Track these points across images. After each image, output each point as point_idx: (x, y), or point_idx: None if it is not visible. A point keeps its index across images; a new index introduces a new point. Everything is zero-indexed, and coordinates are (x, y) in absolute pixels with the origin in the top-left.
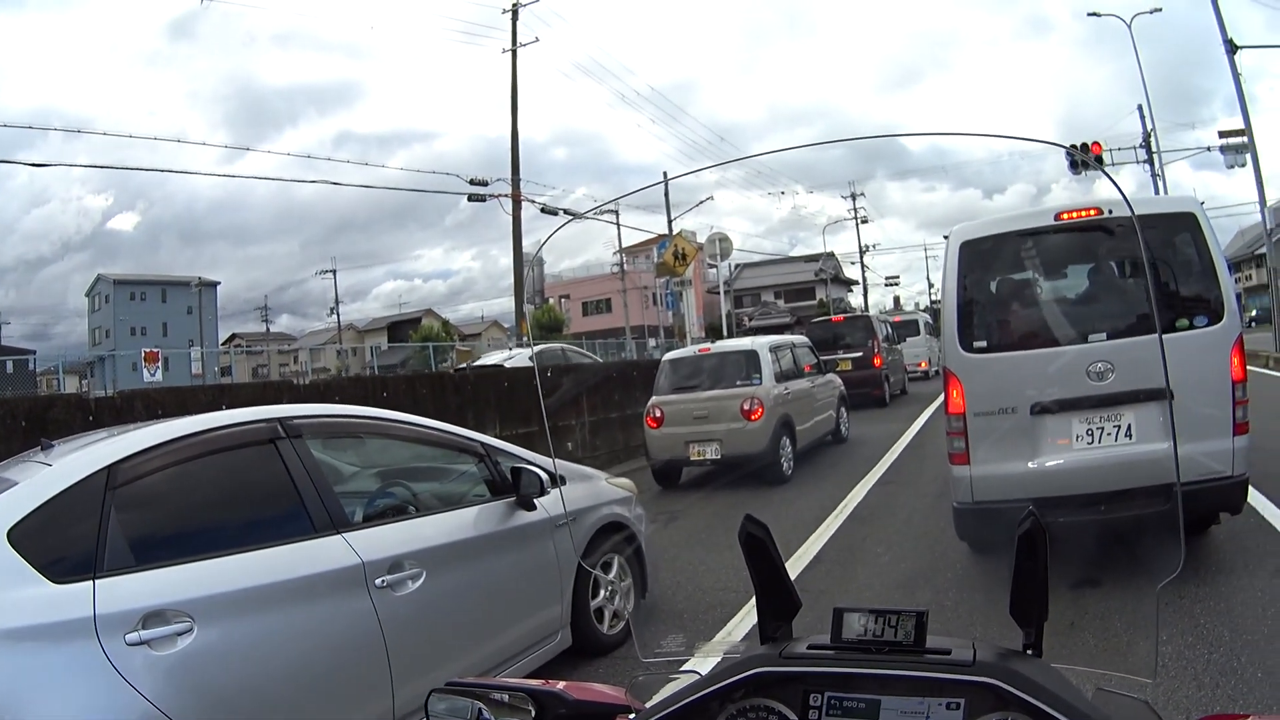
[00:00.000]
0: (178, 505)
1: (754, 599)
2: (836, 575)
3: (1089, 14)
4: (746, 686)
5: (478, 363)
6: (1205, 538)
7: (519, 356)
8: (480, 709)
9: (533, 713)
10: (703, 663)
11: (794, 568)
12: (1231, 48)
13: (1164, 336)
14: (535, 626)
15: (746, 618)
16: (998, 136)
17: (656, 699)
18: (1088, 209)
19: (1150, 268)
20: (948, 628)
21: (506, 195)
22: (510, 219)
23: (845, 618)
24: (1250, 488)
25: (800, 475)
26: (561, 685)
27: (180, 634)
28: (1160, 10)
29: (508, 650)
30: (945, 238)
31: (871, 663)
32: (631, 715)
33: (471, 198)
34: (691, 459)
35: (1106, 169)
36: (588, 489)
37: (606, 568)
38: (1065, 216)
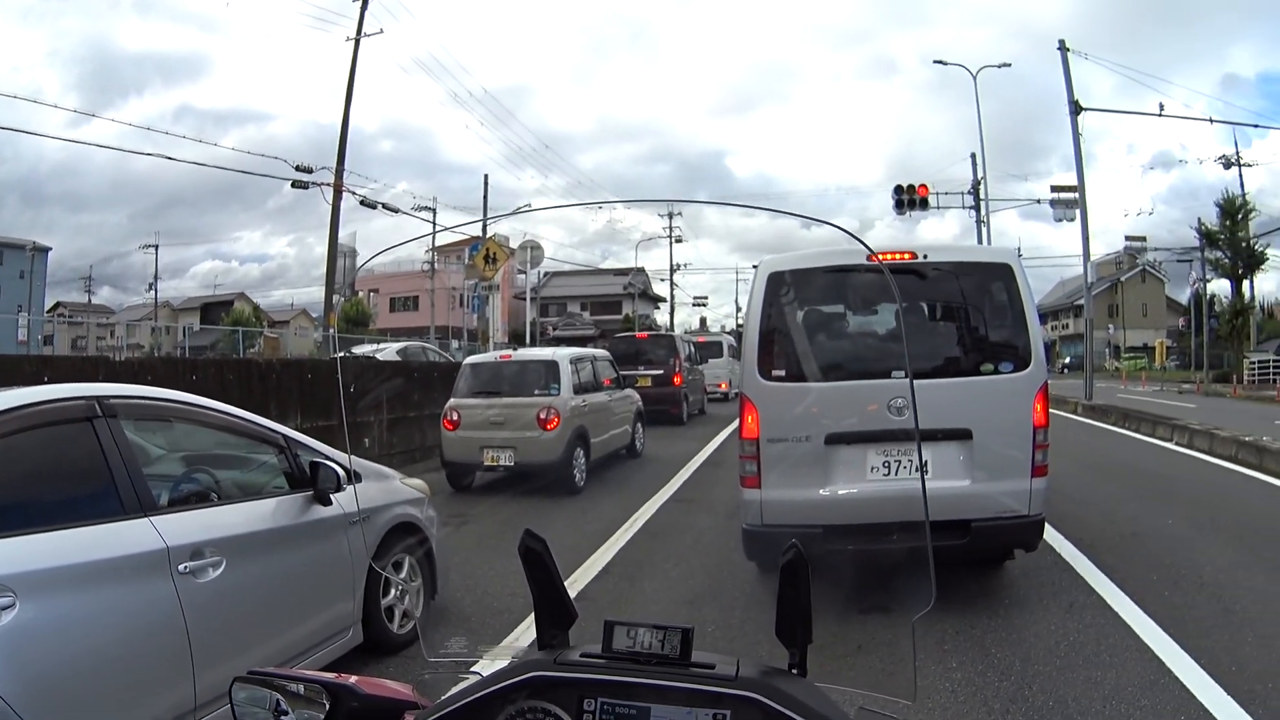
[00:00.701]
0: None
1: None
2: (624, 588)
3: (935, 61)
4: (525, 689)
5: (358, 351)
6: (1002, 572)
7: (388, 350)
8: (278, 699)
9: (326, 705)
10: (487, 665)
11: (582, 578)
12: (1076, 108)
13: (970, 379)
14: (328, 621)
15: (530, 625)
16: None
17: (442, 698)
18: (903, 252)
19: (961, 313)
20: (733, 645)
21: (329, 184)
22: (330, 208)
23: (615, 630)
24: (1049, 527)
25: (593, 487)
26: (354, 679)
27: (4, 608)
28: (1009, 66)
29: (303, 643)
30: (754, 267)
31: (638, 672)
32: (418, 711)
33: (295, 184)
34: (485, 464)
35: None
36: (382, 488)
37: (398, 567)
38: (878, 257)
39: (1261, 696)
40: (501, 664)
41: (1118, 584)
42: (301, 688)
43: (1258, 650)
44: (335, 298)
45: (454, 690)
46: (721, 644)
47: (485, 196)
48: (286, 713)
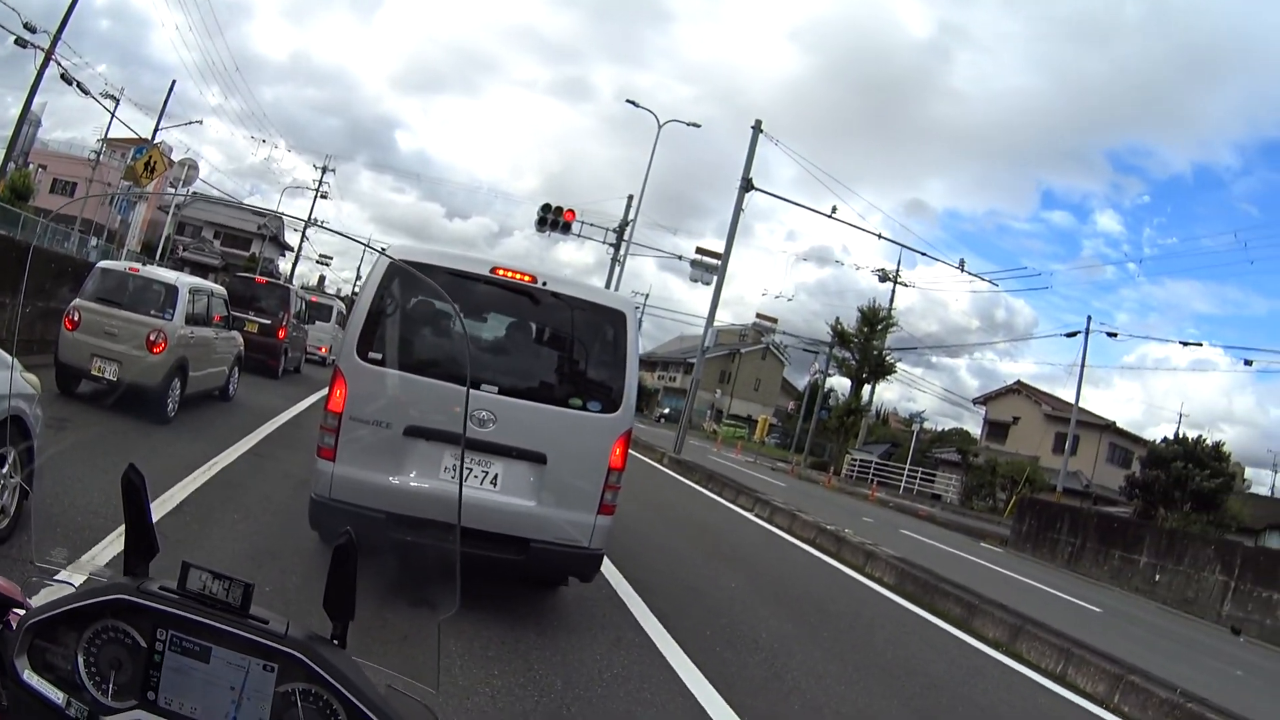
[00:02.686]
0: None
1: (123, 530)
2: (193, 531)
3: (628, 100)
4: (109, 609)
5: None
6: (555, 596)
7: None
8: None
9: None
10: (73, 577)
11: (157, 510)
12: (747, 185)
13: (559, 409)
14: None
15: (109, 544)
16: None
17: (39, 604)
18: (525, 274)
19: (567, 346)
20: (287, 608)
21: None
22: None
23: (190, 572)
24: (610, 564)
25: (181, 421)
26: None
27: None
28: (699, 126)
29: None
30: (383, 250)
31: (204, 614)
32: (24, 614)
33: (18, 40)
34: (92, 372)
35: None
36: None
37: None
38: (501, 273)
39: None
40: (83, 578)
41: (670, 630)
42: None
43: (803, 716)
44: (9, 165)
45: (49, 598)
46: (276, 604)
47: (165, 102)
48: None
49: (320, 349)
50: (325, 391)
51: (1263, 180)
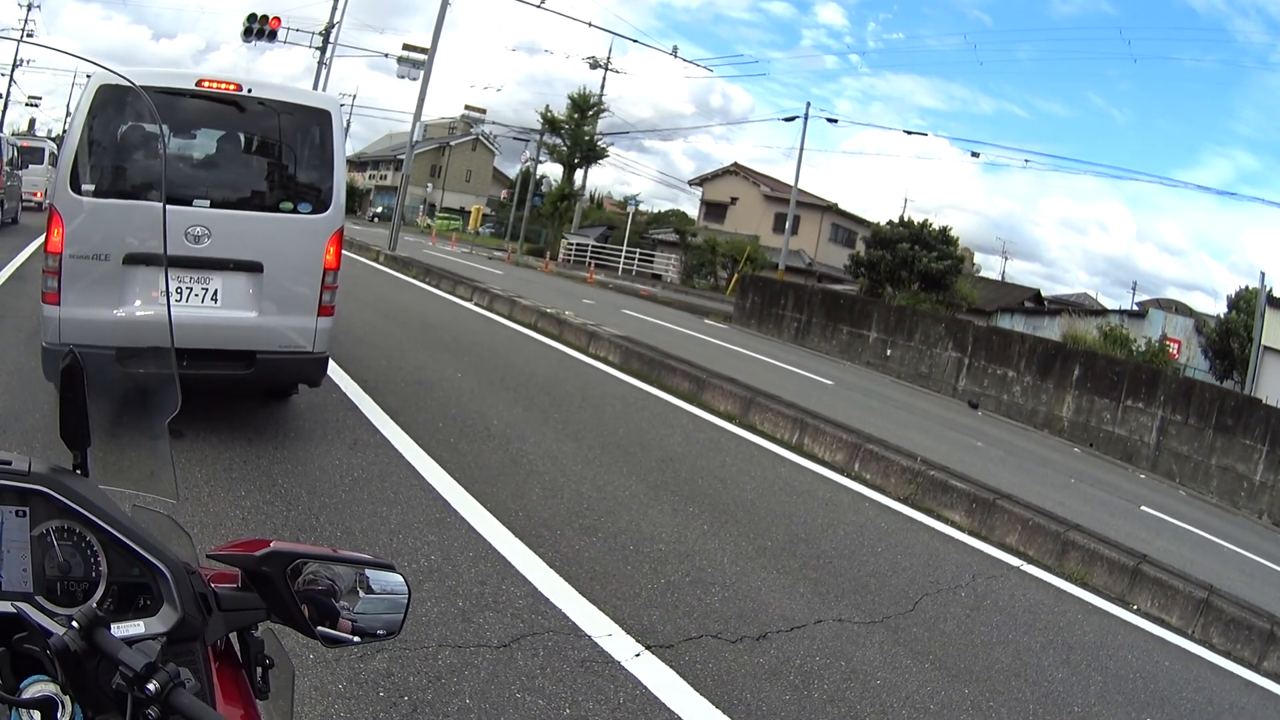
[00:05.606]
0: None
1: None
2: None
3: None
4: None
5: None
6: (287, 406)
7: None
8: None
9: None
10: None
11: None
12: None
13: (269, 215)
14: None
15: None
16: None
17: None
18: (229, 82)
19: (274, 150)
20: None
21: None
22: None
23: None
24: (336, 367)
25: None
26: None
27: None
28: None
29: None
30: (88, 77)
31: None
32: None
33: None
34: None
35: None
36: None
37: None
38: (206, 84)
39: (550, 541)
40: None
41: (403, 427)
42: None
43: (544, 500)
44: None
45: None
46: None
47: None
48: None
49: (35, 194)
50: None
51: None
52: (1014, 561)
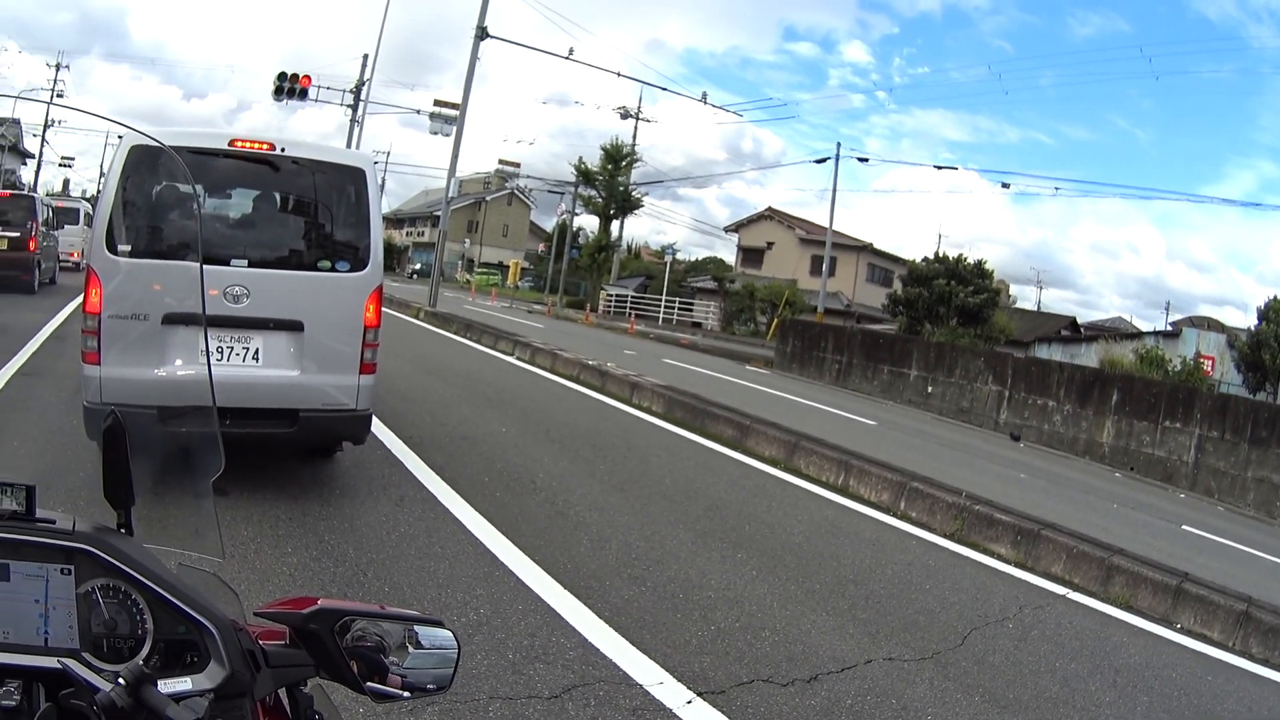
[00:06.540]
0: None
1: None
2: None
3: None
4: None
5: None
6: (332, 464)
7: None
8: None
9: None
10: None
11: None
12: (482, 34)
13: (307, 274)
14: None
15: None
16: None
17: None
18: (262, 142)
19: (310, 209)
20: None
21: None
22: None
23: None
24: (380, 424)
25: None
26: None
27: None
28: None
29: None
30: (119, 138)
31: None
32: None
33: None
34: None
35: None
36: None
37: None
38: (238, 144)
39: (598, 591)
40: None
41: (449, 482)
42: None
43: (592, 551)
44: None
45: None
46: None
47: None
48: None
49: (72, 254)
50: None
51: (1012, 20)
52: (1059, 590)
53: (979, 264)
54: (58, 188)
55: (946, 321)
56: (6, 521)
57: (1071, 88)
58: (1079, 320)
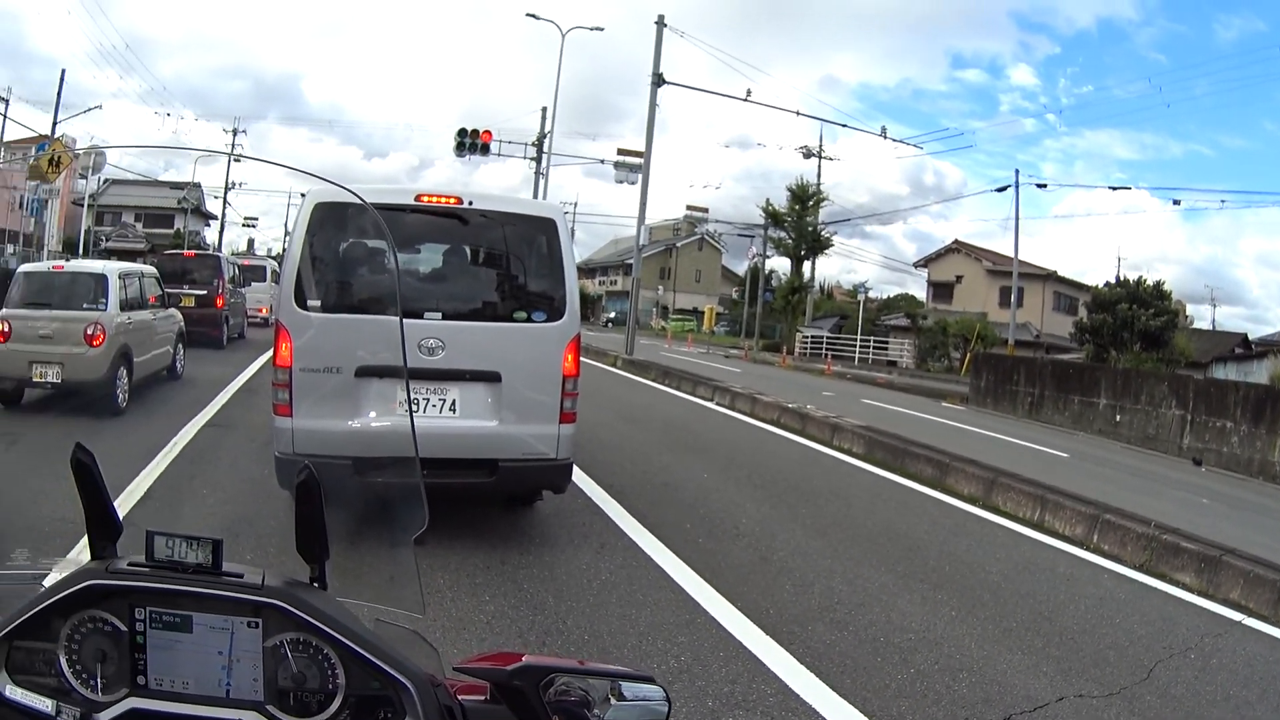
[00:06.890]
0: None
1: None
2: (165, 514)
3: (527, 14)
4: (80, 599)
5: None
6: (532, 512)
7: None
8: None
9: None
10: (51, 577)
11: (125, 503)
12: (659, 80)
13: (504, 325)
14: None
15: (84, 546)
16: None
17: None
18: (449, 196)
19: (503, 261)
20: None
21: None
22: None
23: (155, 540)
24: (581, 472)
25: (134, 408)
26: None
27: None
28: (602, 30)
29: None
30: (303, 196)
31: (177, 580)
32: None
33: None
34: (34, 380)
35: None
36: None
37: None
38: (425, 199)
39: (800, 637)
40: (61, 575)
41: (650, 529)
42: None
43: (795, 596)
44: None
45: (19, 603)
46: (258, 564)
47: (59, 93)
48: None
49: (260, 310)
50: (272, 350)
51: (1163, 30)
52: (1236, 616)
53: (1158, 285)
54: (242, 247)
55: (1130, 347)
56: (192, 575)
57: (1223, 95)
58: (1250, 336)
